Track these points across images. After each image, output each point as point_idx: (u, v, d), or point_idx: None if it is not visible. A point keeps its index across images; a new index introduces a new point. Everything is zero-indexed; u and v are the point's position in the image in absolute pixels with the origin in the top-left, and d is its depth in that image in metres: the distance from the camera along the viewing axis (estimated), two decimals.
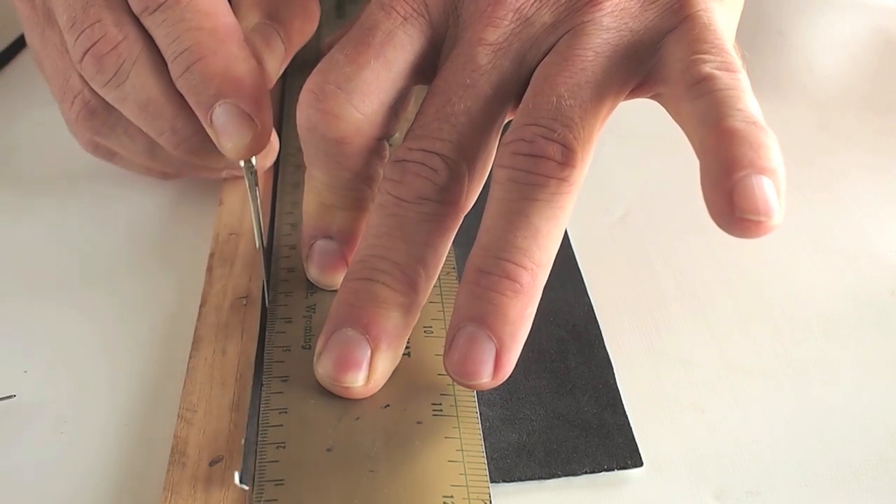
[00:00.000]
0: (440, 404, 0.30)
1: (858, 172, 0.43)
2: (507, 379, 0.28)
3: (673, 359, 0.34)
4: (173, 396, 0.31)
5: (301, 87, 0.31)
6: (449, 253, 0.32)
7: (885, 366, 0.34)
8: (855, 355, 0.34)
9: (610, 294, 0.36)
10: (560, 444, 0.30)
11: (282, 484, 0.27)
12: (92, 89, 0.35)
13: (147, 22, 0.33)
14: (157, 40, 0.34)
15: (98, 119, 0.36)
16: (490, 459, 0.29)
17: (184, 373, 0.32)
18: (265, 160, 0.39)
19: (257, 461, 0.28)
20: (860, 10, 0.51)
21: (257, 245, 0.35)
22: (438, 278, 0.31)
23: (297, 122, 0.31)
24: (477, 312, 0.28)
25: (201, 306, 0.34)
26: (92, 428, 0.31)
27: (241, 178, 0.35)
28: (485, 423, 0.30)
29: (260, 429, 0.29)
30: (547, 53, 0.30)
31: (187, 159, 0.37)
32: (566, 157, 0.28)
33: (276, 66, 0.37)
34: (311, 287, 0.34)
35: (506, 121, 0.31)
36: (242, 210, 0.39)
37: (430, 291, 0.30)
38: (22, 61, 0.51)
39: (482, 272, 0.28)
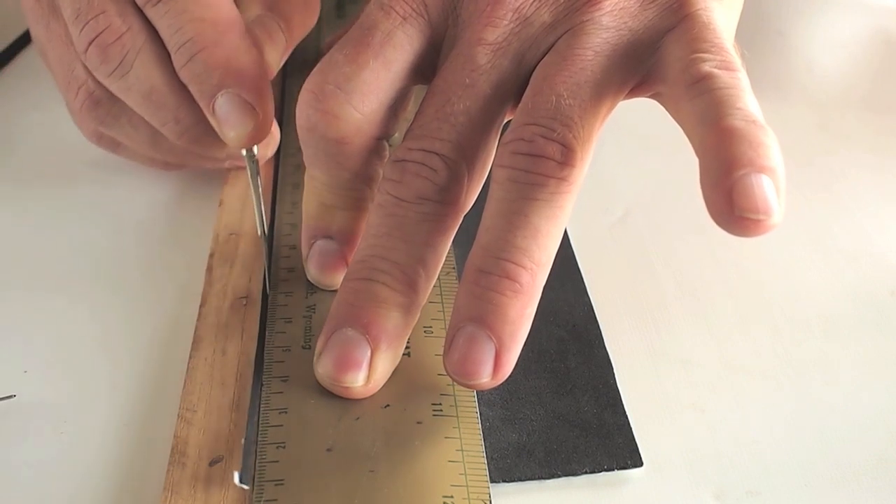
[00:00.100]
0: (440, 404, 0.30)
1: (858, 172, 0.43)
2: (507, 379, 0.28)
3: (673, 359, 0.34)
4: (173, 396, 0.31)
5: (301, 87, 0.31)
6: (449, 253, 0.32)
7: (885, 366, 0.34)
8: (855, 355, 0.34)
9: (610, 294, 0.36)
10: (560, 444, 0.30)
11: (282, 484, 0.27)
12: (96, 80, 0.36)
13: (150, 13, 0.34)
14: (160, 31, 0.34)
15: (102, 109, 0.37)
16: (490, 459, 0.29)
17: (184, 373, 0.32)
18: (267, 149, 0.39)
19: (257, 461, 0.28)
20: (860, 10, 0.51)
21: (259, 232, 0.35)
22: (438, 278, 0.31)
23: (297, 122, 0.31)
24: (477, 312, 0.28)
25: (201, 306, 0.34)
26: (92, 428, 0.31)
27: (243, 170, 0.35)
28: (485, 423, 0.30)
29: (260, 429, 0.29)
30: (546, 53, 0.30)
31: (190, 149, 0.37)
32: (566, 157, 0.28)
33: (276, 57, 0.37)
34: (311, 287, 0.34)
35: (505, 120, 0.31)
36: (242, 210, 0.39)
37: (430, 291, 0.30)
38: (22, 61, 0.51)
39: (482, 272, 0.28)
